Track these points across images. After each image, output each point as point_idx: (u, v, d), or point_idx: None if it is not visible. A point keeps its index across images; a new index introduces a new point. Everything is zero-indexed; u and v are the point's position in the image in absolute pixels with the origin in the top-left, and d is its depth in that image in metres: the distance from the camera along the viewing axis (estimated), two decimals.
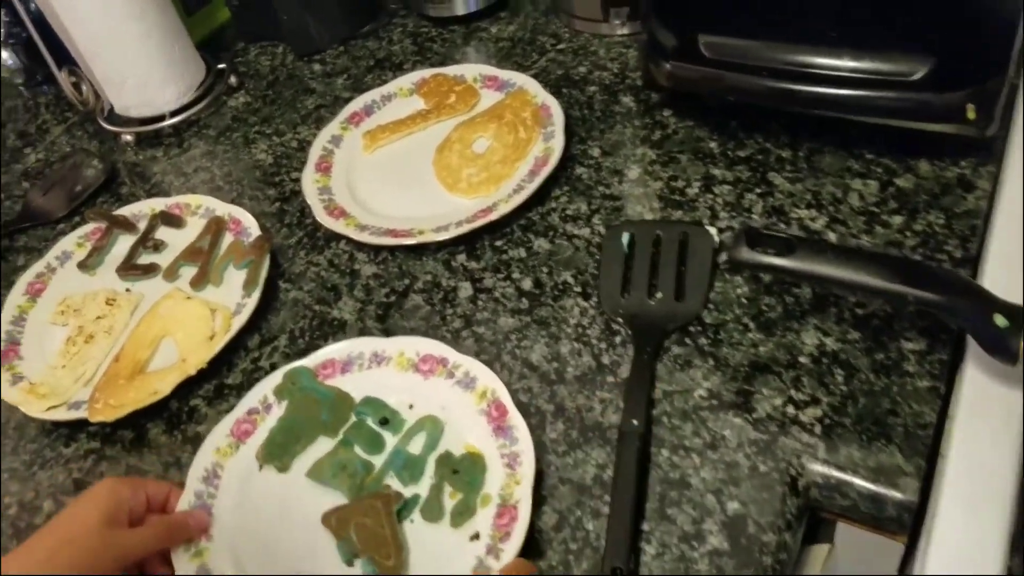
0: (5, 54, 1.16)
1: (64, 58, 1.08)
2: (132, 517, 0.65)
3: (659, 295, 0.74)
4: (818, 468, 0.63)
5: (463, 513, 0.65)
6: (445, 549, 0.64)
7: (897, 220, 0.75)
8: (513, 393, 0.71)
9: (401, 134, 0.96)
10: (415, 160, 0.94)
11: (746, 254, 0.64)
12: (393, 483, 0.69)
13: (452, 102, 0.96)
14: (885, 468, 0.61)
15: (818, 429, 0.64)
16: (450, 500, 0.66)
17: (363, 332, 0.80)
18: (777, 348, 0.70)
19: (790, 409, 0.66)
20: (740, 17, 0.82)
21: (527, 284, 0.80)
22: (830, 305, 0.71)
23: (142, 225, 0.95)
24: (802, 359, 0.69)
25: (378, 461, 0.70)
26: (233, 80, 1.12)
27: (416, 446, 0.70)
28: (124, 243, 0.95)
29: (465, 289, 0.81)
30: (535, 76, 0.98)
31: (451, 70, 1.01)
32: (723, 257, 0.76)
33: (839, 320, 0.70)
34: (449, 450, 0.69)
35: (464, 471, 0.68)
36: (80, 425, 0.80)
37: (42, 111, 1.21)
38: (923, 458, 0.61)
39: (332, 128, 0.99)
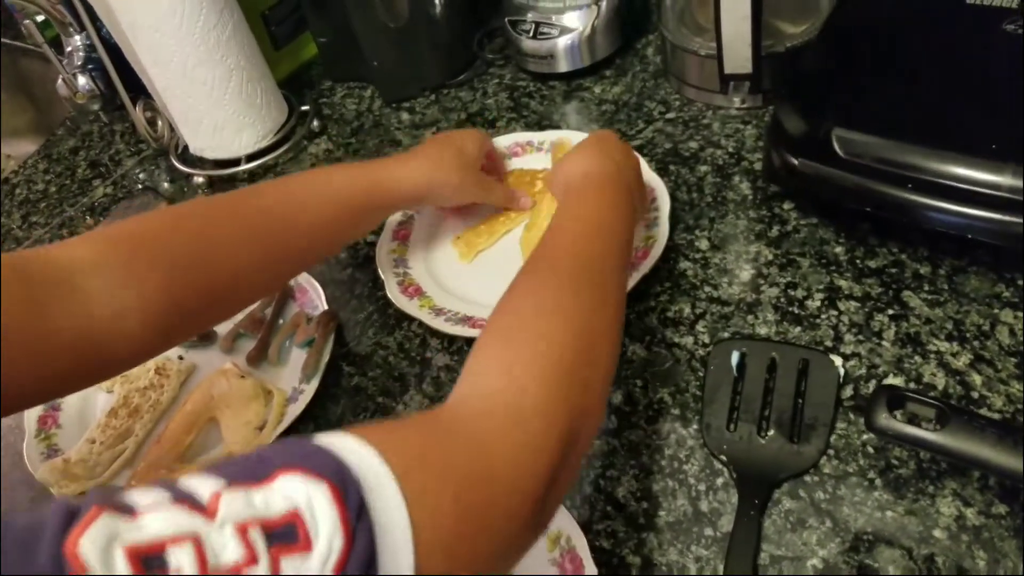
0: (82, 80, 1.11)
1: (140, 89, 1.03)
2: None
3: (771, 433, 0.64)
4: None
5: None
6: None
7: None
8: (593, 535, 0.62)
9: (497, 237, 0.86)
10: (504, 240, 0.86)
11: (885, 421, 0.53)
12: None
13: (539, 190, 0.86)
14: None
15: None
16: None
17: None
18: (907, 515, 0.59)
19: None
20: (886, 112, 0.71)
21: (617, 398, 0.71)
22: (972, 468, 0.60)
23: None
24: (937, 533, 0.58)
25: None
26: (316, 124, 1.05)
27: None
28: None
29: None
30: (640, 148, 0.88)
31: (548, 135, 0.92)
32: (848, 393, 0.66)
33: (983, 488, 0.59)
34: None
35: None
36: None
37: (117, 140, 1.16)
38: None
39: None
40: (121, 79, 1.02)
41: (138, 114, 1.02)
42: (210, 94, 0.95)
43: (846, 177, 0.70)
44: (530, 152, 0.92)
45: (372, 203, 0.74)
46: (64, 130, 1.21)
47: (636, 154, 0.74)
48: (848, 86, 0.76)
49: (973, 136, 0.67)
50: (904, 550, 0.58)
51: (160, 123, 1.05)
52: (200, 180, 1.02)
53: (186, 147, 1.05)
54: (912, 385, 0.65)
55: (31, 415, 0.80)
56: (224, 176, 1.02)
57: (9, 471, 0.80)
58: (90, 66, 1.12)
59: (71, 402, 0.82)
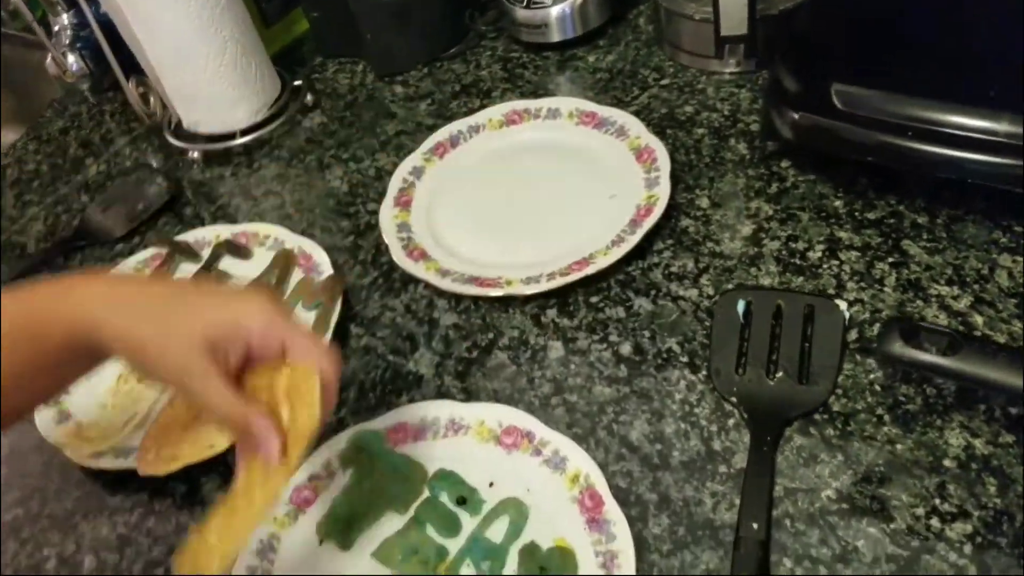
0: (72, 59, 1.11)
1: (133, 67, 1.03)
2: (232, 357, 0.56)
3: (779, 375, 0.66)
4: None
5: None
6: None
7: None
8: (610, 476, 0.63)
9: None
10: (504, 202, 0.87)
11: (900, 349, 0.55)
12: (471, 573, 0.61)
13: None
14: None
15: (968, 548, 0.56)
16: None
17: (441, 390, 0.73)
18: (917, 447, 0.61)
19: (935, 522, 0.57)
20: (882, 65, 0.73)
21: (626, 349, 0.72)
22: (978, 400, 0.62)
23: (205, 253, 0.89)
24: (947, 462, 0.60)
25: (453, 547, 0.63)
26: (309, 99, 1.05)
27: (497, 533, 0.63)
28: (186, 271, 0.88)
29: (556, 349, 0.73)
30: (636, 113, 0.89)
31: (544, 103, 0.93)
32: (853, 336, 0.68)
33: (989, 419, 0.61)
34: (535, 541, 0.61)
35: (553, 568, 0.60)
36: (131, 472, 0.73)
37: (107, 119, 1.15)
38: None
39: (414, 159, 0.91)
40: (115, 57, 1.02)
41: (132, 89, 1.02)
42: (205, 67, 0.96)
43: (847, 128, 0.71)
44: (527, 120, 0.93)
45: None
46: (52, 112, 1.20)
47: None
48: (844, 42, 0.78)
49: (971, 85, 0.69)
50: (915, 479, 0.59)
51: (152, 99, 1.05)
52: (195, 155, 1.02)
53: (179, 123, 1.05)
54: None
55: None
56: (219, 151, 1.02)
57: (18, 440, 0.79)
58: (79, 45, 1.11)
59: None
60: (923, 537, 0.57)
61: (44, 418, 0.77)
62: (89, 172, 1.07)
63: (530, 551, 0.61)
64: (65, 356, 0.55)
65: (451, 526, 0.63)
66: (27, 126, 1.21)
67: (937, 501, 0.58)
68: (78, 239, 0.97)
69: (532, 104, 0.93)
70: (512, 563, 0.61)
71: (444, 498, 0.65)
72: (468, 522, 0.64)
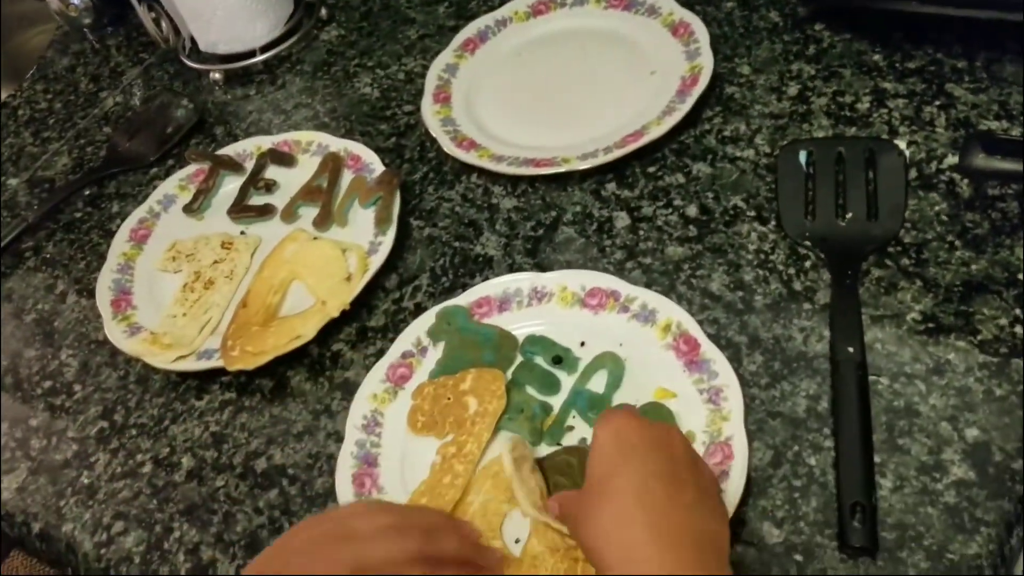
0: None
1: None
2: None
3: (849, 215, 0.68)
4: None
5: None
6: None
7: None
8: (697, 324, 0.65)
9: None
10: (545, 90, 0.88)
11: (983, 161, 0.58)
12: (578, 424, 0.63)
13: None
14: None
15: None
16: None
17: (513, 268, 0.74)
18: (991, 266, 0.64)
19: (1018, 329, 0.60)
20: None
21: (692, 211, 0.74)
22: None
23: (249, 165, 0.89)
24: (1021, 276, 0.63)
25: (556, 402, 0.65)
26: (324, 13, 1.05)
27: (598, 385, 0.65)
28: (232, 184, 0.88)
29: (622, 219, 0.75)
30: None
31: None
32: (912, 175, 0.70)
33: None
34: (634, 394, 0.63)
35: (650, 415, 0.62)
36: (211, 376, 0.74)
37: (113, 53, 1.14)
38: None
39: (446, 57, 0.92)
40: None
41: (144, 13, 1.00)
42: None
43: None
44: (553, 9, 0.94)
45: None
46: (54, 52, 1.18)
47: (661, 425, 0.53)
48: None
49: None
50: (993, 295, 0.62)
51: (164, 24, 1.03)
52: (217, 76, 1.01)
53: (194, 48, 1.04)
54: None
55: (103, 301, 0.80)
56: (239, 70, 1.01)
57: (87, 356, 0.80)
58: None
59: (139, 285, 0.82)
60: (1010, 344, 0.60)
61: (114, 331, 0.77)
62: (106, 104, 1.06)
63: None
64: None
65: (551, 384, 0.65)
66: (15, 85, 1.17)
67: (1018, 311, 0.61)
68: (110, 167, 0.96)
69: None
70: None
71: (539, 360, 0.67)
72: (567, 380, 0.66)
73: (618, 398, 0.64)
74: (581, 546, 0.50)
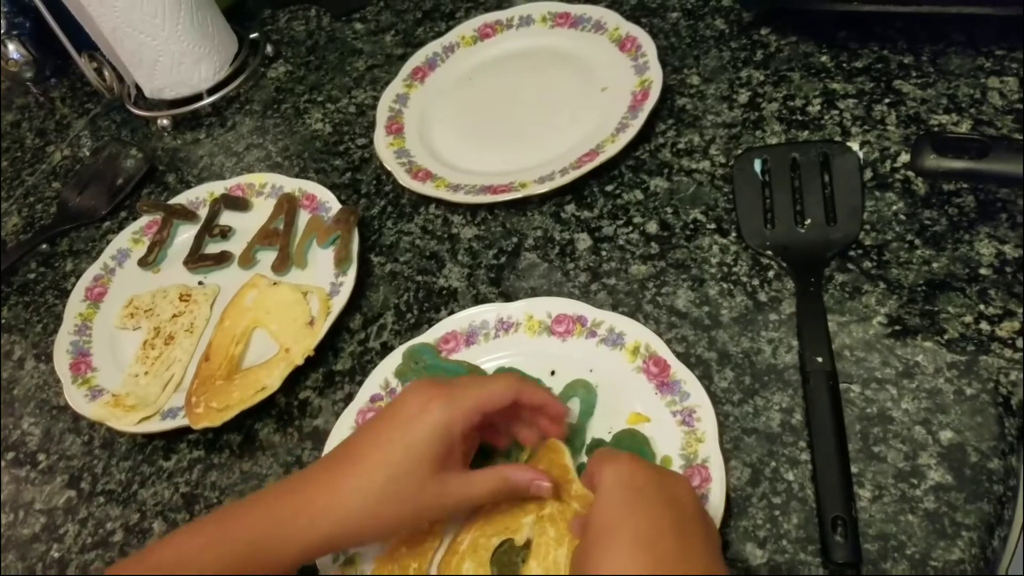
0: (11, 47, 1.07)
1: (80, 43, 0.99)
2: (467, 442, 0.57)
3: (808, 222, 0.68)
4: None
5: None
6: None
7: None
8: (666, 344, 0.64)
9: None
10: (497, 114, 0.87)
11: (934, 161, 0.57)
12: None
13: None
14: None
15: (1020, 342, 0.59)
16: None
17: (478, 298, 0.74)
18: (952, 262, 0.64)
19: (984, 325, 0.60)
20: None
21: (653, 227, 0.73)
22: (998, 211, 0.65)
23: (203, 212, 0.88)
24: (983, 271, 0.63)
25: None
26: (269, 50, 1.03)
27: (570, 414, 0.64)
28: (186, 233, 0.87)
29: (583, 240, 0.74)
30: (607, 7, 0.90)
31: (515, 11, 0.93)
32: (868, 175, 0.70)
33: (1012, 225, 0.64)
34: (607, 421, 0.62)
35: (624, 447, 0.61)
36: (178, 434, 0.73)
37: (58, 105, 1.12)
38: None
39: (396, 87, 0.91)
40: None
41: (86, 64, 0.99)
42: (162, 27, 0.93)
43: None
44: (500, 31, 0.93)
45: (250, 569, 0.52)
46: None
47: (670, 473, 0.52)
48: None
49: None
50: (957, 291, 0.62)
51: (107, 73, 1.02)
52: (165, 122, 1.00)
53: (140, 95, 1.02)
54: None
55: (62, 366, 0.78)
56: (187, 115, 1.00)
57: (50, 424, 0.78)
58: (15, 32, 1.07)
59: (98, 345, 0.80)
60: (976, 341, 0.60)
61: (75, 396, 0.76)
62: (54, 158, 1.04)
63: (597, 444, 0.62)
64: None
65: None
66: None
67: (982, 307, 0.61)
68: (61, 223, 0.95)
69: (503, 15, 0.93)
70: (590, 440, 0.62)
71: None
72: None
73: (592, 425, 0.63)
74: None
